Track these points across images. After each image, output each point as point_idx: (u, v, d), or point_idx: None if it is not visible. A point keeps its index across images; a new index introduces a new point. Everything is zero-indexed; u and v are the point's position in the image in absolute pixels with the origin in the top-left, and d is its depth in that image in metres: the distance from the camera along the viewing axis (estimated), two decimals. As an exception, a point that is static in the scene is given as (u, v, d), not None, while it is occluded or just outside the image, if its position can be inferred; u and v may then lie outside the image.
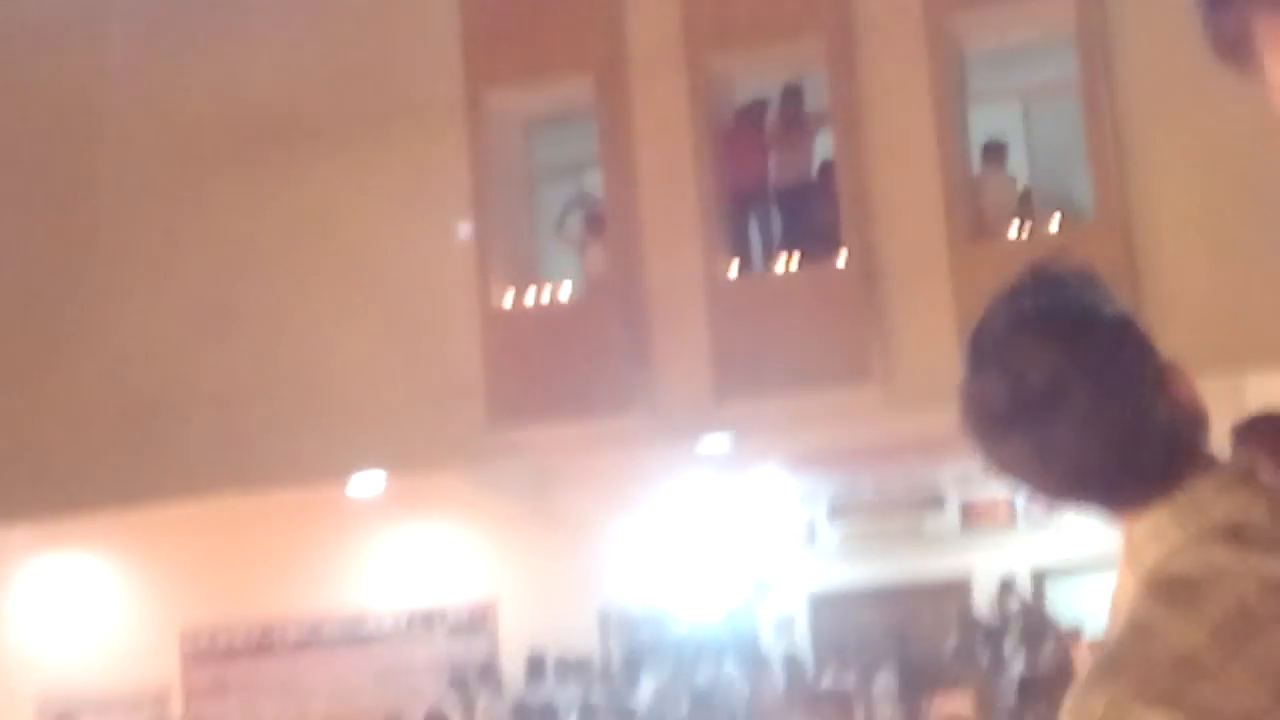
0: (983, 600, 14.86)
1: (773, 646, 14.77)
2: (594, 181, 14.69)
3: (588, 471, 15.15)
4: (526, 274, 14.40)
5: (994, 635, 14.14)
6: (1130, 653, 1.76)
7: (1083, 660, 10.38)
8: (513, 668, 15.29)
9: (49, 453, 14.40)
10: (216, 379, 14.18)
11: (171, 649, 16.37)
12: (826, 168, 14.10)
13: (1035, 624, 14.06)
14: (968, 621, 14.46)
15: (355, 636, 16.11)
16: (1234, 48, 1.43)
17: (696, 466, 15.10)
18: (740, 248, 14.02)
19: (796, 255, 13.74)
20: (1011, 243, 13.26)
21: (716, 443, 14.41)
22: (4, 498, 14.52)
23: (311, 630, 16.20)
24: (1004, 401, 1.86)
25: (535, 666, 15.05)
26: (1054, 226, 13.34)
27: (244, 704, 16.08)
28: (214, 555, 15.84)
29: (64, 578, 16.69)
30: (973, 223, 13.46)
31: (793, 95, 14.24)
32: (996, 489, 14.94)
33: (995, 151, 13.86)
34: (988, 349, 1.90)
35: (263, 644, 16.29)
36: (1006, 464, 1.91)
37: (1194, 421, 1.89)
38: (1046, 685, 12.20)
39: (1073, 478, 1.88)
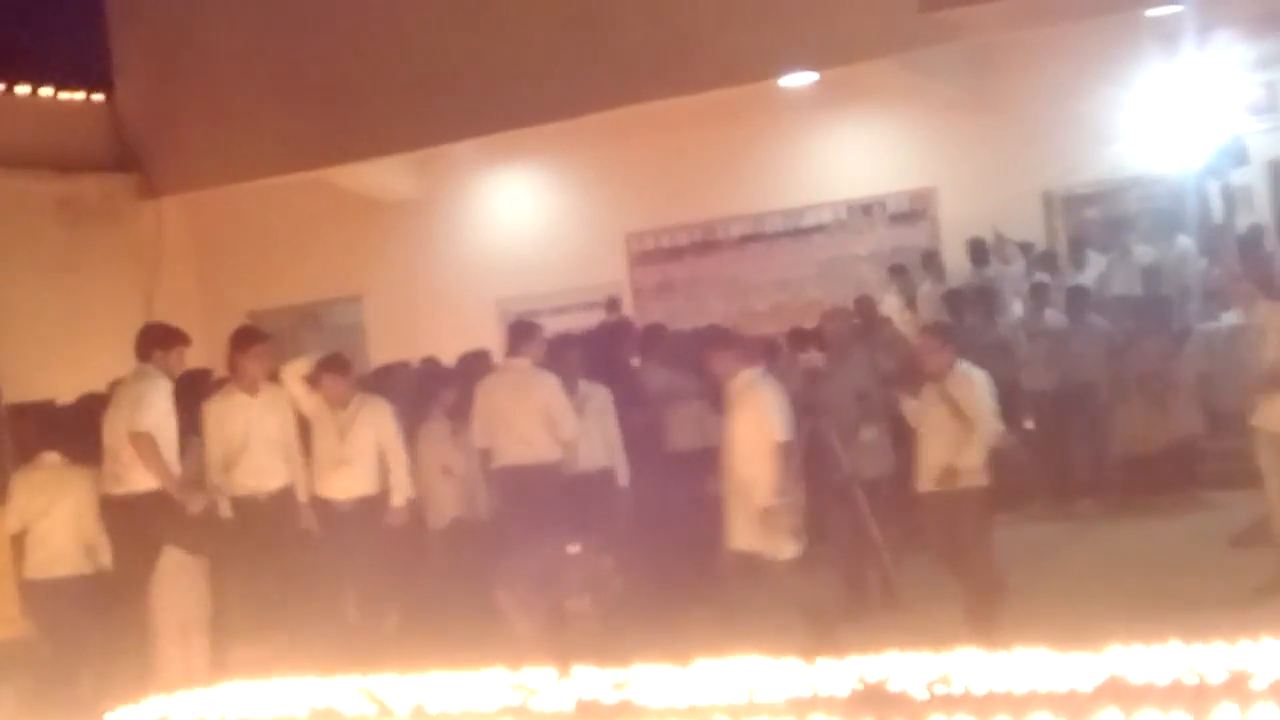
0: None
1: (1230, 219, 14.12)
2: None
3: (1028, 49, 14.54)
4: None
5: None
6: None
7: None
8: (955, 254, 15.15)
9: (491, 69, 14.73)
10: (644, -15, 14.12)
11: (619, 251, 16.88)
12: None
13: None
14: None
15: (796, 229, 16.25)
16: None
17: (1146, 34, 14.29)
18: None
19: None
20: None
21: (1167, 7, 13.54)
22: (451, 115, 15.01)
23: (753, 225, 16.42)
24: None
25: (978, 251, 14.89)
26: None
27: (690, 301, 16.51)
28: (654, 159, 16.10)
29: (514, 188, 17.29)
30: None
31: None
32: None
33: None
34: None
35: (706, 242, 16.62)
36: None
37: None
38: None
39: None
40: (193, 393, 10.05)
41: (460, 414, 10.21)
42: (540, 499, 9.50)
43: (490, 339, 13.88)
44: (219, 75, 16.30)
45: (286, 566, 9.51)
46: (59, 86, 16.78)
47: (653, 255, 16.85)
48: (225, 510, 9.46)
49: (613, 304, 16.13)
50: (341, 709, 5.89)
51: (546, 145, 16.07)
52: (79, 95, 16.99)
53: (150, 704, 6.60)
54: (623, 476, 10.22)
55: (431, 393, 10.42)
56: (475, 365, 11.09)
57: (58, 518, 9.14)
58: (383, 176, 16.86)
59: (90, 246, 16.44)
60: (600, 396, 10.31)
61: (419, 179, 17.23)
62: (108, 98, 17.13)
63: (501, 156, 16.64)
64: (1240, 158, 13.02)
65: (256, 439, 9.46)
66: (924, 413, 8.75)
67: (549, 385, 9.98)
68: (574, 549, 9.06)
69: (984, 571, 8.58)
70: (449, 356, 11.97)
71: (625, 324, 12.75)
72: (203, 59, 16.46)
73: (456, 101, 14.95)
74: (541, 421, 9.87)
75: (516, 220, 17.24)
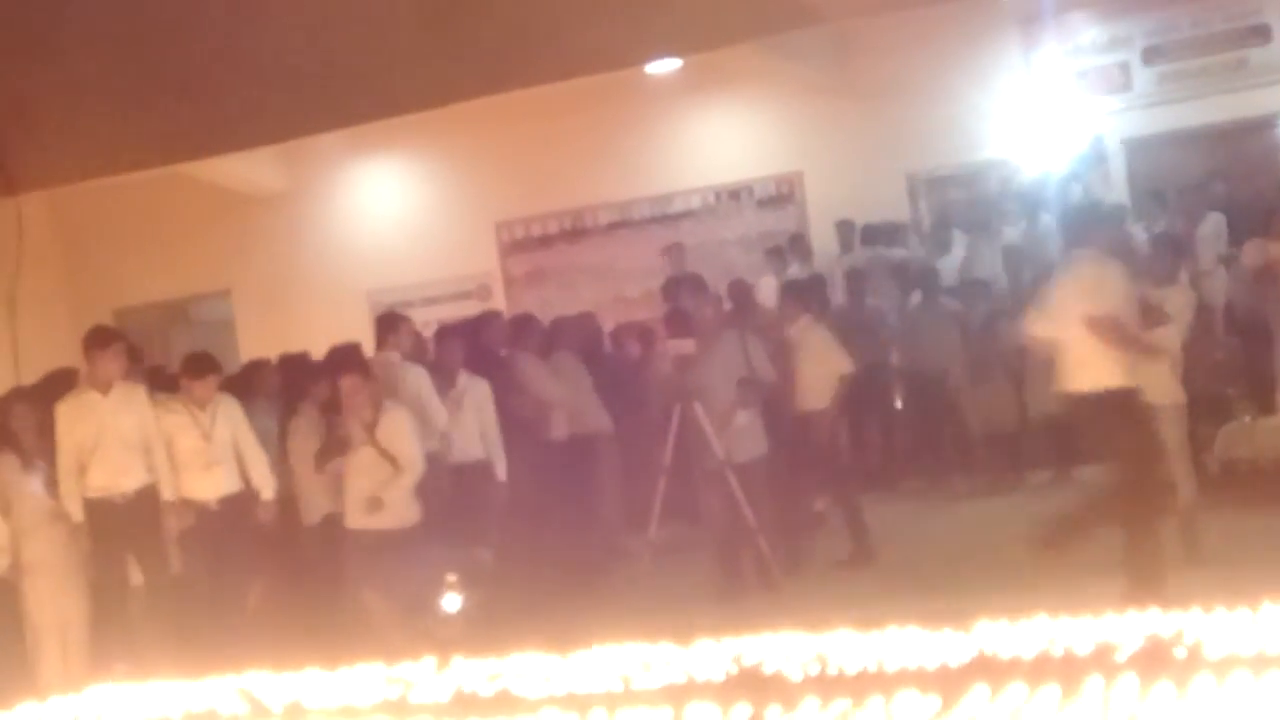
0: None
1: (1089, 197, 14.39)
2: None
3: (890, 32, 14.70)
4: None
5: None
6: None
7: None
8: (822, 238, 15.30)
9: (354, 59, 14.56)
10: (510, -29, 14.04)
11: (489, 240, 16.84)
12: None
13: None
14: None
15: (665, 215, 16.30)
16: None
17: (1005, 17, 14.50)
18: None
19: None
20: None
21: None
22: (316, 106, 14.83)
23: (622, 212, 16.44)
24: None
25: (845, 234, 15.05)
26: None
27: (562, 289, 16.51)
28: (522, 147, 16.07)
29: (383, 179, 17.17)
30: None
31: None
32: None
33: None
34: None
35: (576, 229, 16.63)
36: None
37: None
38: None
39: None
40: (60, 393, 9.93)
41: (332, 408, 10.15)
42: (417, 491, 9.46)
43: (362, 332, 13.75)
44: (76, 67, 15.93)
45: (151, 567, 9.41)
46: (-91, 82, 16.38)
47: (523, 244, 16.84)
48: (76, 515, 9.33)
49: (484, 292, 16.19)
50: (217, 709, 5.85)
51: (414, 135, 15.98)
52: (-69, 91, 16.60)
53: (22, 709, 6.50)
54: (500, 470, 10.21)
55: (301, 387, 10.34)
56: (345, 358, 10.99)
57: None
58: (248, 170, 16.67)
59: (-52, 245, 16.07)
60: (479, 389, 10.31)
61: (285, 172, 17.06)
62: (-38, 93, 16.76)
63: (369, 147, 16.52)
64: (1099, 159, 13.30)
65: (110, 438, 9.33)
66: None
67: (415, 376, 9.97)
68: (451, 578, 9.08)
69: None
70: (320, 350, 11.86)
71: (494, 314, 12.71)
72: (58, 49, 16.11)
73: (320, 93, 14.75)
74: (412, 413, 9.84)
75: (386, 211, 17.14)
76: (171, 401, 9.68)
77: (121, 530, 9.31)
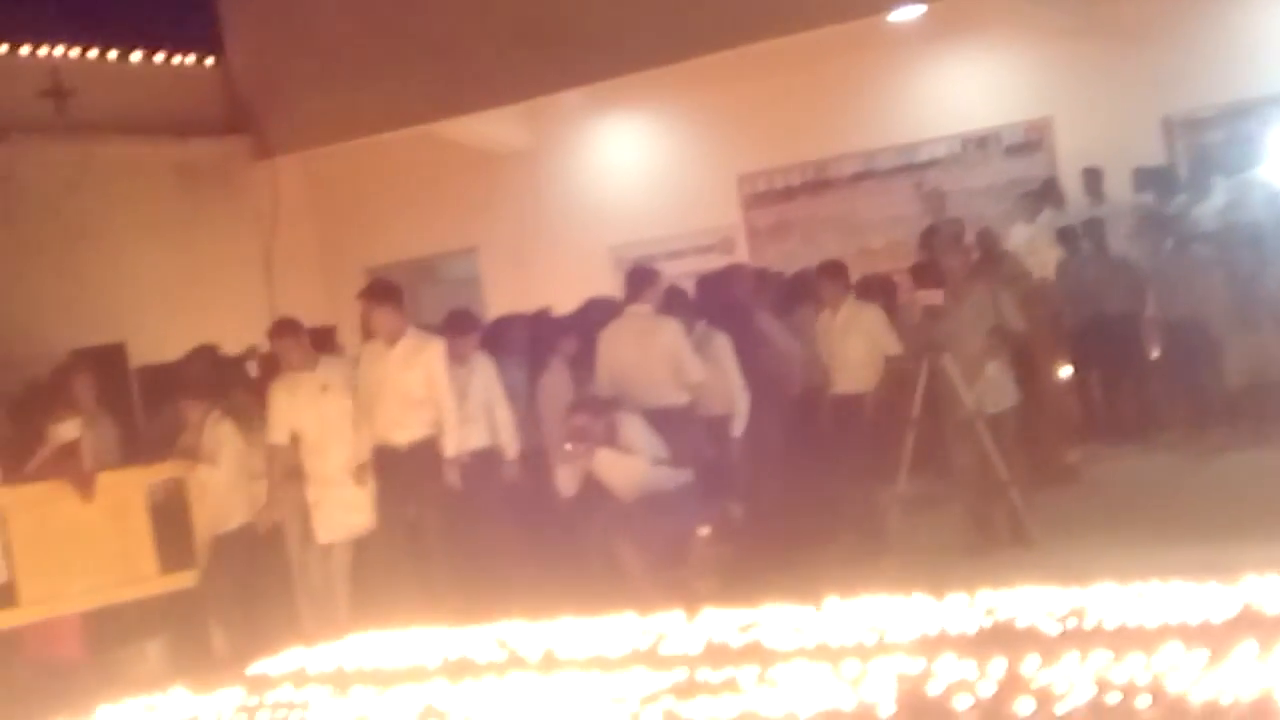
0: None
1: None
2: None
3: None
4: None
5: None
6: None
7: None
8: (1073, 185, 14.91)
9: (597, 16, 14.71)
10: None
11: (732, 194, 16.79)
12: None
13: None
14: None
15: (910, 165, 16.03)
16: None
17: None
18: None
19: None
20: None
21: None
22: (559, 63, 15.01)
23: (866, 163, 16.21)
24: None
25: (1091, 182, 14.63)
26: None
27: (805, 241, 16.36)
28: (764, 99, 15.97)
29: (624, 134, 17.24)
30: None
31: None
32: None
33: None
34: None
35: (819, 181, 16.46)
36: None
37: None
38: None
39: None
40: (318, 348, 10.22)
41: (581, 363, 10.21)
42: (669, 444, 9.49)
43: (605, 286, 13.90)
44: (327, 33, 16.42)
45: (424, 519, 9.60)
46: (171, 52, 16.98)
47: (766, 196, 16.73)
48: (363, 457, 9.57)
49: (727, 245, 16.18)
50: (474, 657, 5.97)
51: (655, 90, 16.00)
52: (190, 59, 17.19)
53: (289, 655, 6.73)
54: (739, 424, 10.13)
55: (550, 343, 10.43)
56: (596, 313, 11.05)
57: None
58: (493, 128, 16.88)
59: (208, 209, 16.68)
60: (716, 342, 10.23)
61: (529, 129, 17.22)
62: (219, 61, 17.32)
63: (610, 103, 16.59)
64: None
65: (391, 391, 9.52)
66: None
67: (672, 330, 9.97)
68: (704, 531, 9.09)
69: None
70: (564, 306, 11.98)
71: (739, 267, 12.63)
72: (310, 17, 16.60)
73: (563, 50, 14.94)
74: (667, 366, 9.86)
75: (627, 166, 17.20)
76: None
77: (399, 480, 9.50)
